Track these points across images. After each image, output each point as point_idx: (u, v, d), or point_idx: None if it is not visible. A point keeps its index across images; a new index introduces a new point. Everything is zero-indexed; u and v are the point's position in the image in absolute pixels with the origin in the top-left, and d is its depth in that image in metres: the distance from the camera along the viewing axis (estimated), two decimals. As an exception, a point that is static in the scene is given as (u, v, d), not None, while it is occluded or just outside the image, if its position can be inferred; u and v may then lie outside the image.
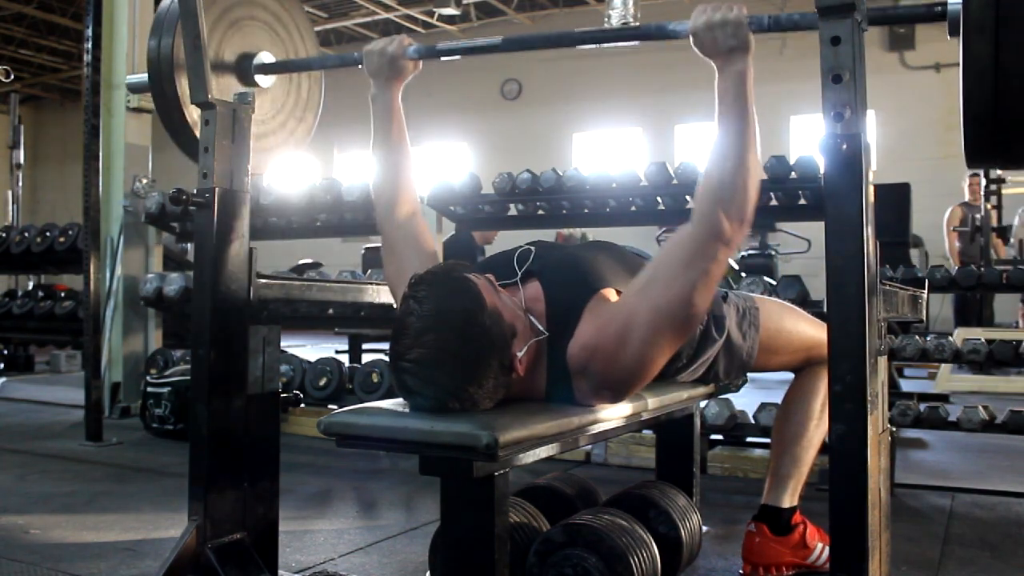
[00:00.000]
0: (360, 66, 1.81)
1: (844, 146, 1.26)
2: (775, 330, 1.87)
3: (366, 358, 5.44)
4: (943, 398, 4.87)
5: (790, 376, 1.99)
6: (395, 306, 1.70)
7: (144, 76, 1.95)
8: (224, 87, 1.89)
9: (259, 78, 1.98)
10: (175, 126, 1.93)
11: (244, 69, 1.95)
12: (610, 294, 1.52)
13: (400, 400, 1.46)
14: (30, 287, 7.71)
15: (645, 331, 1.41)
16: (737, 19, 1.40)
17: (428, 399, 1.37)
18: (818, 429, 1.90)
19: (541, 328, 1.48)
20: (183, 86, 1.88)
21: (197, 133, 1.90)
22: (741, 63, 1.42)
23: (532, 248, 1.64)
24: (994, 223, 7.10)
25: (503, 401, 1.44)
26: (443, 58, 1.78)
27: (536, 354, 1.48)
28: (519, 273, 1.58)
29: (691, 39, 1.45)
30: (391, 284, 1.77)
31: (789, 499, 1.91)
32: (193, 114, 1.91)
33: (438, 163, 14.52)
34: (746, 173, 1.39)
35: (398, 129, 1.82)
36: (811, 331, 1.91)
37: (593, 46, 1.65)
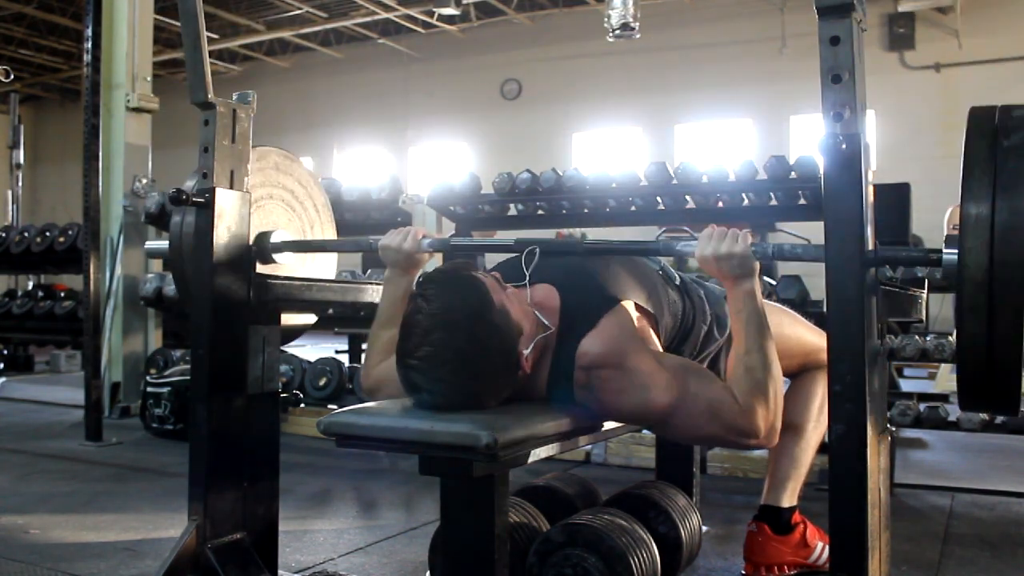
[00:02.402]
0: (375, 249, 1.80)
1: (844, 146, 1.26)
2: (774, 333, 1.87)
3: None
4: (943, 398, 4.86)
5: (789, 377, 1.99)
6: None
7: (165, 244, 2.01)
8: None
9: (277, 256, 1.96)
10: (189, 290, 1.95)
11: (262, 247, 1.94)
12: (629, 307, 1.54)
13: (400, 400, 1.46)
14: (30, 287, 7.72)
15: (655, 406, 1.45)
16: (743, 253, 1.44)
17: (435, 396, 1.38)
18: (816, 430, 1.91)
19: (548, 324, 1.49)
20: None
21: None
22: (749, 284, 1.48)
23: (536, 249, 1.64)
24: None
25: (506, 399, 1.44)
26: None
27: (542, 352, 1.49)
28: (527, 273, 1.58)
29: (699, 262, 1.50)
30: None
31: (788, 499, 1.92)
32: None
33: (438, 163, 14.52)
34: (777, 385, 1.45)
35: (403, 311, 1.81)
36: (808, 337, 1.91)
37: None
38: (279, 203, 2.08)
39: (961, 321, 1.22)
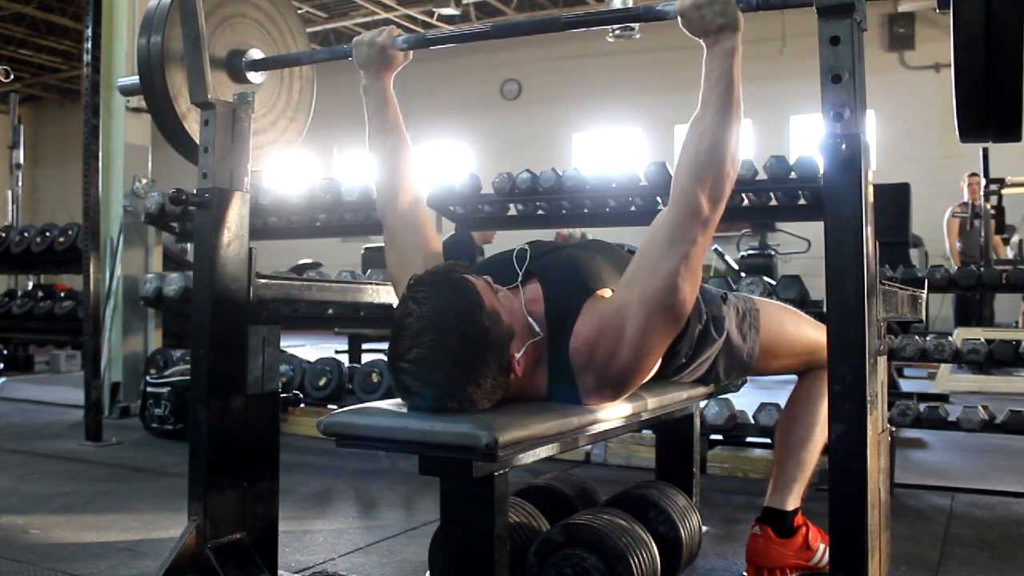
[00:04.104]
0: (350, 58, 1.80)
1: (844, 146, 1.26)
2: (775, 332, 1.86)
3: (366, 358, 5.44)
4: (943, 398, 4.87)
5: (789, 376, 1.99)
6: (395, 301, 1.70)
7: (135, 78, 1.93)
8: (215, 83, 1.88)
9: (250, 75, 1.97)
10: (167, 124, 1.91)
11: (235, 66, 1.95)
12: (606, 294, 1.53)
13: (400, 400, 1.46)
14: (30, 287, 7.71)
15: (638, 322, 1.43)
16: None
17: (426, 399, 1.38)
18: (822, 433, 1.88)
19: (538, 329, 1.49)
20: (174, 83, 1.87)
21: (189, 130, 1.90)
22: (730, 41, 1.41)
23: (527, 248, 1.64)
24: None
25: (502, 401, 1.44)
26: (432, 47, 1.77)
27: (535, 355, 1.48)
28: (520, 274, 1.58)
29: (679, 19, 1.43)
30: (393, 277, 1.76)
31: (793, 501, 1.91)
32: (183, 107, 1.89)
33: (438, 163, 14.52)
34: (724, 150, 1.38)
35: (393, 118, 1.81)
36: (812, 334, 1.90)
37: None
38: (253, 23, 2.01)
39: (956, 17, 1.15)
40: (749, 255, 6.95)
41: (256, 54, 1.99)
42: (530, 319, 1.49)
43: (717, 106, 1.40)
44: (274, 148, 2.14)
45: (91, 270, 3.83)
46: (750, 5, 1.41)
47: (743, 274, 5.98)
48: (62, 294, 5.90)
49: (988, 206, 6.96)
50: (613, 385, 1.49)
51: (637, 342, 1.44)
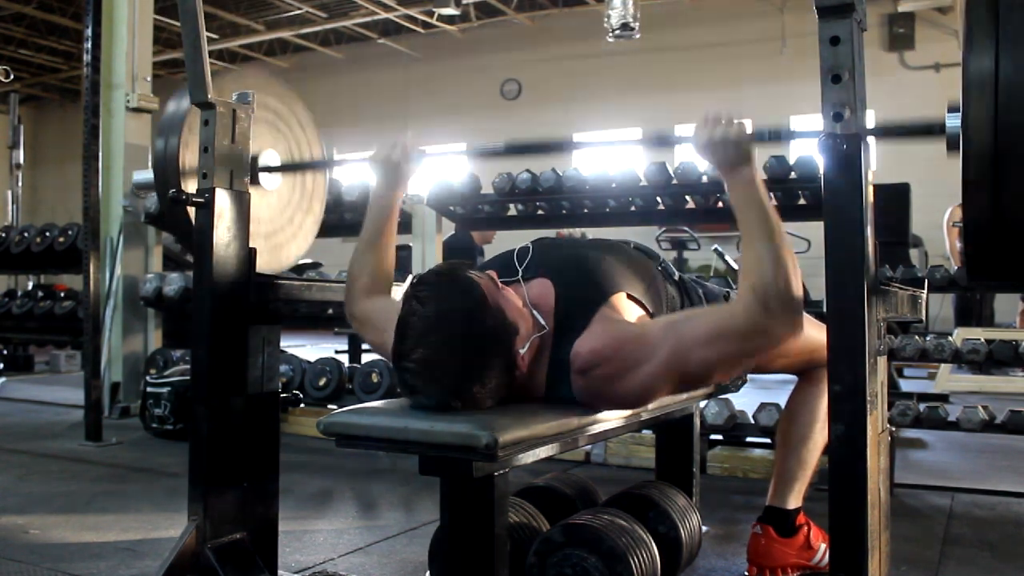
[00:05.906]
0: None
1: (844, 146, 1.26)
2: None
3: (366, 358, 5.44)
4: (943, 398, 4.87)
5: (790, 376, 1.99)
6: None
7: (149, 174, 1.96)
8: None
9: (263, 178, 1.98)
10: (181, 225, 1.93)
11: (252, 170, 1.96)
12: (621, 299, 1.53)
13: (400, 400, 1.46)
14: (30, 287, 7.71)
15: (659, 368, 1.43)
16: (738, 138, 1.43)
17: (431, 398, 1.38)
18: (823, 431, 1.89)
19: (543, 323, 1.49)
20: (189, 187, 1.89)
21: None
22: (748, 171, 1.44)
23: (530, 246, 1.65)
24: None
25: (504, 399, 1.44)
26: (436, 149, 1.81)
27: (538, 350, 1.49)
28: (519, 270, 1.58)
29: (696, 151, 1.49)
30: (376, 346, 1.76)
31: (794, 501, 1.91)
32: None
33: (438, 163, 14.53)
34: (787, 273, 1.38)
35: (389, 231, 1.83)
36: (813, 333, 1.90)
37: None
38: (263, 124, 2.04)
39: (966, 194, 1.15)
40: (749, 255, 6.94)
41: (270, 157, 2.00)
42: (535, 313, 1.49)
43: (759, 235, 1.40)
44: (294, 243, 2.17)
45: (91, 270, 3.82)
46: (762, 138, 1.47)
47: (743, 274, 5.98)
48: (62, 294, 5.90)
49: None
50: (605, 400, 1.49)
51: (644, 383, 1.45)
